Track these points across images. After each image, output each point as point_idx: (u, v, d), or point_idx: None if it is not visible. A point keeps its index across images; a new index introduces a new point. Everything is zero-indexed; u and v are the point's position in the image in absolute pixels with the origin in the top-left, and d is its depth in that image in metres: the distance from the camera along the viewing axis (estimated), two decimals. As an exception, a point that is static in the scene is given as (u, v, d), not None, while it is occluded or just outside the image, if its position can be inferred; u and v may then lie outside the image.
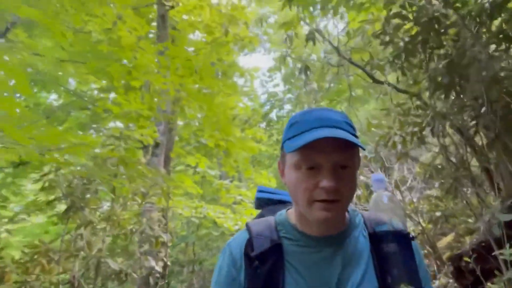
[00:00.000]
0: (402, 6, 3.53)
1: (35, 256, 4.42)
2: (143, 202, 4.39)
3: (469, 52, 3.14)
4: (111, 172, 4.03)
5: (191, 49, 8.28)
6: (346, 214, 0.99)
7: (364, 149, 0.88)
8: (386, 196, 1.07)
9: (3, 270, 4.31)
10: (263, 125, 16.31)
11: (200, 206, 4.78)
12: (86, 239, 3.60)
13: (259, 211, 1.19)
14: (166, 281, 5.09)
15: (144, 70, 3.55)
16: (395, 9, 3.73)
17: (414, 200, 5.85)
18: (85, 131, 7.58)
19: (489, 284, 3.30)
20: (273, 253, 0.91)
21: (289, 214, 1.00)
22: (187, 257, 7.97)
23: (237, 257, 0.94)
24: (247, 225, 1.00)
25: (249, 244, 0.93)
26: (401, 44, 3.78)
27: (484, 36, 3.41)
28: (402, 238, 0.94)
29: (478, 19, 3.26)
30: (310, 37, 3.42)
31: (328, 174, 0.85)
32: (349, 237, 0.95)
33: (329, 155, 0.85)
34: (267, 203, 1.16)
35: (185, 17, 5.50)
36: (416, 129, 4.23)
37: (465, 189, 4.49)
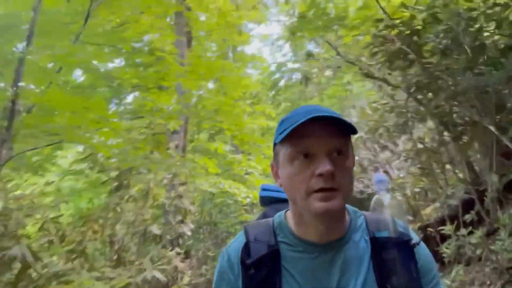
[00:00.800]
0: (387, 26, 4.27)
1: (87, 222, 5.54)
2: (173, 179, 5.41)
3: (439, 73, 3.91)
4: (146, 155, 5.01)
5: (202, 33, 8.97)
6: (347, 216, 0.95)
7: (356, 132, 0.87)
8: (388, 197, 1.02)
9: (63, 233, 5.43)
10: (272, 92, 16.99)
11: (219, 182, 5.79)
12: (133, 210, 4.66)
13: (263, 208, 1.21)
14: (191, 241, 6.23)
15: (176, 73, 4.35)
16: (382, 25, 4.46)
17: (401, 175, 6.83)
18: (108, 105, 8.50)
19: (443, 247, 4.30)
20: (270, 258, 0.90)
21: (287, 217, 0.97)
22: (204, 220, 9.16)
23: (234, 262, 0.93)
24: (245, 228, 0.98)
25: (246, 249, 0.92)
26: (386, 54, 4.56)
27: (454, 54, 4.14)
28: (404, 245, 0.90)
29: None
30: (309, 54, 4.19)
31: (323, 159, 0.82)
32: (349, 242, 0.92)
33: (322, 140, 0.83)
34: (271, 201, 1.15)
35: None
36: (400, 121, 5.08)
37: (438, 171, 5.42)
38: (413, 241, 0.91)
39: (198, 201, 6.49)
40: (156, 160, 4.61)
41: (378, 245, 0.90)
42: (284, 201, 1.07)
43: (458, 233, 3.63)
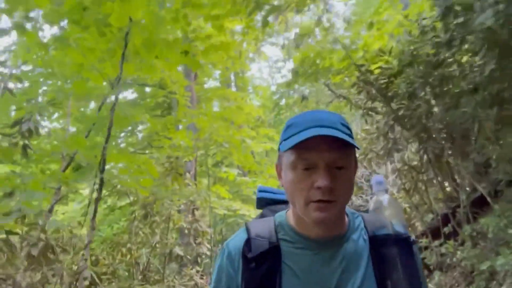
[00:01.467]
0: (367, 70, 5.07)
1: (116, 246, 6.29)
2: (190, 206, 6.18)
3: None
4: (169, 187, 5.78)
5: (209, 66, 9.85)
6: (346, 217, 0.98)
7: (358, 148, 0.90)
8: (386, 198, 1.06)
9: (97, 257, 6.18)
10: (274, 113, 17.84)
11: (230, 205, 6.56)
12: (159, 234, 5.42)
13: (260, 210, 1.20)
14: (207, 259, 6.95)
15: (188, 114, 5.15)
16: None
17: (394, 192, 7.57)
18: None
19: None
20: (271, 254, 0.91)
21: (288, 216, 0.99)
22: (216, 239, 9.89)
23: (235, 257, 0.95)
24: (246, 225, 1.00)
25: (247, 245, 0.93)
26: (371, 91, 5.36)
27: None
28: (403, 242, 0.92)
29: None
30: (304, 97, 4.99)
31: (323, 173, 0.84)
32: (348, 240, 0.94)
33: (324, 155, 0.85)
34: (268, 202, 1.16)
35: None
36: (385, 146, 5.85)
37: (423, 187, 6.15)
38: (412, 239, 0.94)
39: (211, 222, 7.24)
40: (176, 191, 5.38)
41: (377, 243, 0.92)
42: (281, 202, 1.09)
43: (433, 244, 4.35)
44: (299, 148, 0.85)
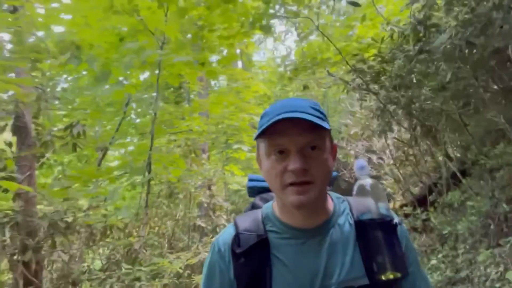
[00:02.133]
0: (361, 60, 5.65)
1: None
2: (208, 183, 7.02)
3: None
4: (188, 167, 6.58)
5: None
6: (330, 201, 1.00)
7: (328, 128, 0.90)
8: (369, 182, 1.01)
9: (129, 230, 7.14)
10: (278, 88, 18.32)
11: (243, 181, 7.39)
12: (183, 209, 6.30)
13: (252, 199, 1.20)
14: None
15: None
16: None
17: (391, 162, 8.31)
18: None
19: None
20: (260, 247, 0.93)
21: (275, 207, 1.01)
22: (232, 209, 10.91)
23: (225, 253, 0.96)
24: (234, 220, 1.02)
25: (236, 240, 0.95)
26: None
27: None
28: (387, 225, 0.93)
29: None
30: (305, 87, 5.61)
31: (294, 156, 0.86)
32: (334, 225, 0.96)
33: (294, 138, 0.87)
34: (259, 191, 1.15)
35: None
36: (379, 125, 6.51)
37: (413, 160, 6.86)
38: (395, 221, 0.95)
39: (227, 197, 8.10)
40: (195, 171, 6.19)
41: (363, 227, 0.94)
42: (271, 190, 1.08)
43: (418, 210, 5.15)
44: (270, 134, 0.87)
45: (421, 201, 6.01)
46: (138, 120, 7.41)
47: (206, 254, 5.22)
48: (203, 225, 6.37)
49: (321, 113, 0.92)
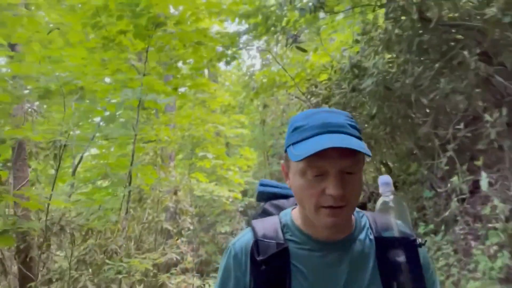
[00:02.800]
0: (313, 84, 6.49)
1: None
2: (174, 189, 7.60)
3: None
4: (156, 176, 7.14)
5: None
6: (352, 216, 0.98)
7: (370, 156, 0.87)
8: (392, 199, 1.00)
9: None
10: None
11: (207, 188, 8.05)
12: (151, 214, 6.85)
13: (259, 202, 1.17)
14: (190, 230, 8.46)
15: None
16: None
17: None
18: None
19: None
20: (280, 256, 0.91)
21: (294, 215, 0.99)
22: (194, 213, 11.48)
23: (242, 259, 0.95)
24: (252, 225, 0.99)
25: (255, 247, 0.93)
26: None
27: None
28: (408, 245, 0.92)
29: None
30: (265, 105, 6.36)
31: (334, 181, 0.84)
32: (355, 240, 0.95)
33: (335, 162, 0.84)
34: (269, 197, 1.14)
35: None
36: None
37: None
38: (418, 241, 0.93)
39: (191, 202, 8.70)
40: (163, 178, 6.77)
41: (383, 245, 0.93)
42: (283, 197, 1.09)
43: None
44: (308, 156, 0.83)
45: (362, 207, 6.93)
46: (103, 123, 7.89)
47: (172, 255, 5.84)
48: (169, 228, 6.95)
49: (358, 129, 0.91)
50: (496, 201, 2.94)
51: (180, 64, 4.61)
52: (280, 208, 1.06)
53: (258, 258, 0.91)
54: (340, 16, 5.47)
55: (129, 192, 4.23)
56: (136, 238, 7.93)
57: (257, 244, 0.93)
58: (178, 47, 3.99)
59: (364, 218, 1.01)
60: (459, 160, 3.74)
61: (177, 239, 7.45)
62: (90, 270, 4.55)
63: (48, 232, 3.38)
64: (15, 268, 3.38)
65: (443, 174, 3.91)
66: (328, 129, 0.86)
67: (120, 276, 3.61)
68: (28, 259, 3.38)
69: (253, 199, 11.11)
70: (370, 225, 0.98)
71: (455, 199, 3.50)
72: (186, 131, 7.47)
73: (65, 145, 4.68)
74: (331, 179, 0.84)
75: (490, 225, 2.94)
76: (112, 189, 4.23)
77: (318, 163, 0.85)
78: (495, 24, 2.80)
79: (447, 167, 3.79)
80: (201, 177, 7.76)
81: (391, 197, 0.98)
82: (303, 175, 0.87)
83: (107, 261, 3.78)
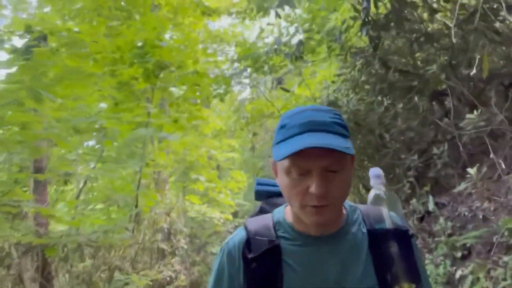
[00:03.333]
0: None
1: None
2: (169, 211, 8.13)
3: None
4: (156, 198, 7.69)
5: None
6: (344, 210, 0.99)
7: (353, 154, 0.86)
8: (383, 191, 1.02)
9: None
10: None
11: (200, 210, 8.59)
12: (147, 234, 7.34)
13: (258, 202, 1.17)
14: (183, 250, 8.92)
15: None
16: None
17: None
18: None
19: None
20: (271, 253, 0.92)
21: (287, 213, 1.00)
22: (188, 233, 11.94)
23: (235, 257, 0.95)
24: (245, 224, 1.01)
25: (247, 245, 0.95)
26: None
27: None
28: (401, 236, 0.93)
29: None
30: (254, 134, 7.05)
31: (317, 180, 0.84)
32: (347, 234, 0.95)
33: (317, 161, 0.84)
34: (267, 195, 1.15)
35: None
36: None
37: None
38: (410, 232, 0.94)
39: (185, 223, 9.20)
40: (160, 201, 7.32)
41: (376, 237, 0.93)
42: (280, 195, 1.04)
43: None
44: (291, 155, 0.83)
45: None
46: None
47: (168, 273, 6.37)
48: (165, 247, 7.44)
49: (344, 127, 0.91)
50: (441, 220, 3.59)
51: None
52: (277, 206, 1.07)
53: (249, 256, 0.92)
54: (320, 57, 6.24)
55: (136, 213, 4.76)
56: (131, 258, 8.40)
57: (249, 242, 0.95)
58: (178, 85, 4.65)
59: (357, 211, 1.01)
60: (418, 185, 4.42)
61: (172, 258, 7.90)
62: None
63: (65, 248, 3.89)
64: (34, 285, 3.85)
65: (406, 197, 4.58)
66: (311, 127, 0.86)
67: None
68: (47, 274, 3.87)
69: (243, 220, 11.57)
70: (363, 218, 0.98)
71: (414, 218, 4.15)
72: (180, 155, 8.07)
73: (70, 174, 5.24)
74: (314, 178, 0.85)
75: (437, 239, 3.57)
76: (123, 209, 4.76)
77: (300, 163, 0.85)
78: (437, 78, 3.53)
79: (409, 191, 4.46)
80: (195, 199, 8.31)
81: (383, 189, 0.98)
82: (288, 174, 0.88)
83: (116, 274, 4.28)
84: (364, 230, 0.96)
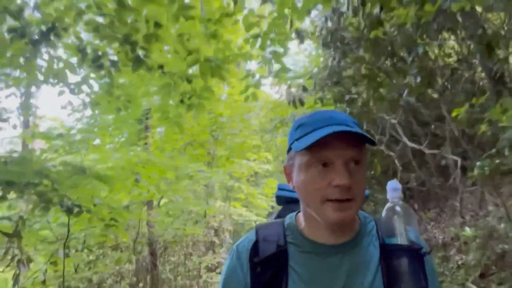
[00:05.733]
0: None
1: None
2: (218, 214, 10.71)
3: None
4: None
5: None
6: (357, 220, 0.97)
7: (375, 144, 0.88)
8: (401, 205, 0.96)
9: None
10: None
11: (242, 214, 11.14)
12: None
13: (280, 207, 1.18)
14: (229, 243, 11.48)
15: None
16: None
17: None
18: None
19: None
20: (277, 258, 0.92)
21: (298, 218, 0.99)
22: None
23: (244, 260, 0.96)
24: (256, 227, 1.01)
25: (255, 248, 0.95)
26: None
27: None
28: (414, 253, 0.89)
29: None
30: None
31: (341, 171, 0.83)
32: (357, 245, 0.94)
33: (341, 151, 0.84)
34: (287, 201, 1.14)
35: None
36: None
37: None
38: (424, 250, 0.90)
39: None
40: (212, 206, 9.89)
41: (388, 252, 0.90)
42: (298, 201, 1.02)
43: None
44: (313, 147, 0.83)
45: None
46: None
47: (217, 259, 9.07)
48: (216, 241, 10.01)
49: (359, 127, 0.92)
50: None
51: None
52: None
53: (255, 260, 0.93)
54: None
55: (205, 211, 7.26)
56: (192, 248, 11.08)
57: (257, 246, 0.95)
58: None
59: (371, 223, 0.99)
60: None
61: (220, 249, 10.42)
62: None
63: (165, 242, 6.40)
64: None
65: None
66: (330, 122, 0.87)
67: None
68: (153, 261, 6.41)
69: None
70: (377, 231, 0.97)
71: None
72: (227, 170, 10.60)
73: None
74: (338, 169, 0.84)
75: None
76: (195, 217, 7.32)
77: (322, 153, 0.85)
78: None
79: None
80: (238, 205, 10.83)
81: (400, 203, 0.94)
82: (308, 168, 0.88)
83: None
84: (377, 244, 0.95)
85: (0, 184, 2.47)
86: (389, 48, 3.84)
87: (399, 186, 0.96)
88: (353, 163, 0.86)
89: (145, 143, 6.43)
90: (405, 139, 4.68)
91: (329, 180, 0.85)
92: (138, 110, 5.11)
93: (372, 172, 5.27)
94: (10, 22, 3.14)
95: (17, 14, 3.02)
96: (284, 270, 0.91)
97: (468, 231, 4.05)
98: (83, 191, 3.19)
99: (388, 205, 0.95)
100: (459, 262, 4.40)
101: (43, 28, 3.13)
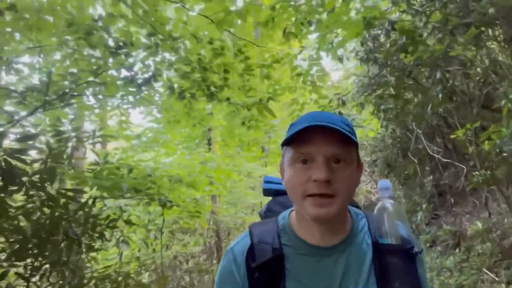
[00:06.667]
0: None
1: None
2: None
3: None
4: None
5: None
6: (349, 217, 0.99)
7: (356, 143, 0.89)
8: (392, 204, 0.98)
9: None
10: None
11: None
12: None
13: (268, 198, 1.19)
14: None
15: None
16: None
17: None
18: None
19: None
20: (274, 262, 0.93)
21: (291, 218, 1.01)
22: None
23: (240, 264, 0.96)
24: (249, 229, 1.01)
25: (251, 252, 0.95)
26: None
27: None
28: (406, 252, 0.91)
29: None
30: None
31: (320, 166, 0.86)
32: (351, 245, 0.96)
33: (321, 148, 0.87)
34: (274, 193, 1.16)
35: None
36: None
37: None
38: (416, 249, 0.92)
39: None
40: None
41: (380, 251, 0.93)
42: (286, 192, 1.02)
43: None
44: (297, 142, 0.88)
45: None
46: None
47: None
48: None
49: (351, 128, 0.92)
50: (444, 226, 6.42)
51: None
52: (283, 205, 1.09)
53: (252, 265, 0.93)
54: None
55: (261, 202, 8.51)
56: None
57: (253, 250, 0.95)
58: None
59: (363, 220, 1.01)
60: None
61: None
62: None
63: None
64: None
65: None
66: (317, 120, 0.88)
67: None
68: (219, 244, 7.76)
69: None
70: (369, 227, 0.99)
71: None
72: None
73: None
74: (317, 165, 0.86)
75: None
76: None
77: (304, 149, 0.88)
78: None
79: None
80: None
81: (391, 201, 0.96)
82: (292, 164, 0.91)
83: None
84: (369, 241, 0.97)
85: (129, 191, 3.73)
86: (412, 71, 4.62)
87: (390, 184, 0.98)
88: (335, 160, 0.88)
89: (210, 149, 7.85)
90: (426, 147, 5.48)
91: (309, 175, 0.87)
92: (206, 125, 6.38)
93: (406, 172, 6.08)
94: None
95: (129, 68, 4.32)
96: (281, 274, 0.92)
97: (479, 225, 4.79)
98: (175, 191, 4.45)
99: (380, 203, 0.97)
100: (480, 251, 5.13)
101: (146, 76, 4.42)
